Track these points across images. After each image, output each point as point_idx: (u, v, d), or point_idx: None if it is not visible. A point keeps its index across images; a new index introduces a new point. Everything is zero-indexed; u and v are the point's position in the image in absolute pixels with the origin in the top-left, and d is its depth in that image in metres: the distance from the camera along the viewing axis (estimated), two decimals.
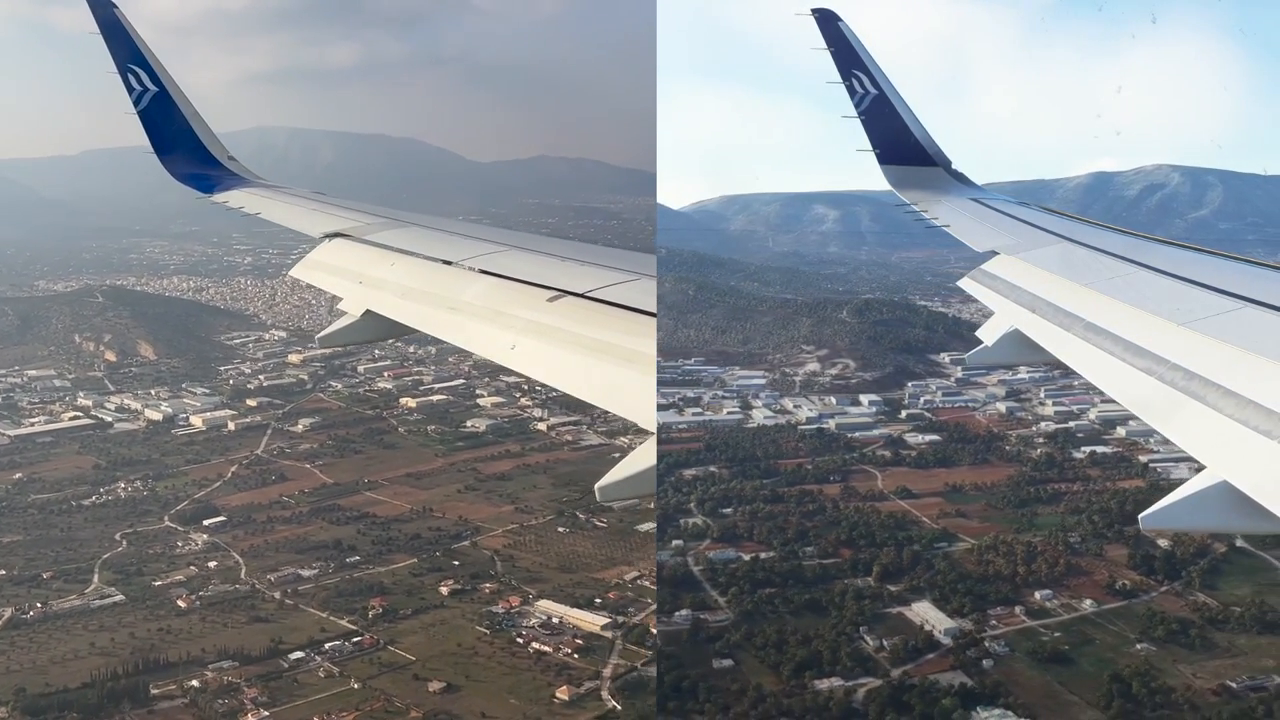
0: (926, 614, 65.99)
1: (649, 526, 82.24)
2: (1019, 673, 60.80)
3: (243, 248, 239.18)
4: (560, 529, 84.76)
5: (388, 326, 13.39)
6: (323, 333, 14.16)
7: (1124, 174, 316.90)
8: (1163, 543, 73.92)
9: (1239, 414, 8.72)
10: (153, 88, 20.90)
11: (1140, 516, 8.46)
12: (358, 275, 14.58)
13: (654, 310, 10.71)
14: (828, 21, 24.40)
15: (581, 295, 11.40)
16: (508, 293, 12.24)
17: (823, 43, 24.60)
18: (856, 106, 25.04)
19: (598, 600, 72.57)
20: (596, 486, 8.81)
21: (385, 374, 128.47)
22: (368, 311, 13.56)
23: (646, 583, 74.07)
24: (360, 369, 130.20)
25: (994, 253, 17.89)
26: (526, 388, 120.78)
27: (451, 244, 14.72)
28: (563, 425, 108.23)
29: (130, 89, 20.79)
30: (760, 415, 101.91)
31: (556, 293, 11.66)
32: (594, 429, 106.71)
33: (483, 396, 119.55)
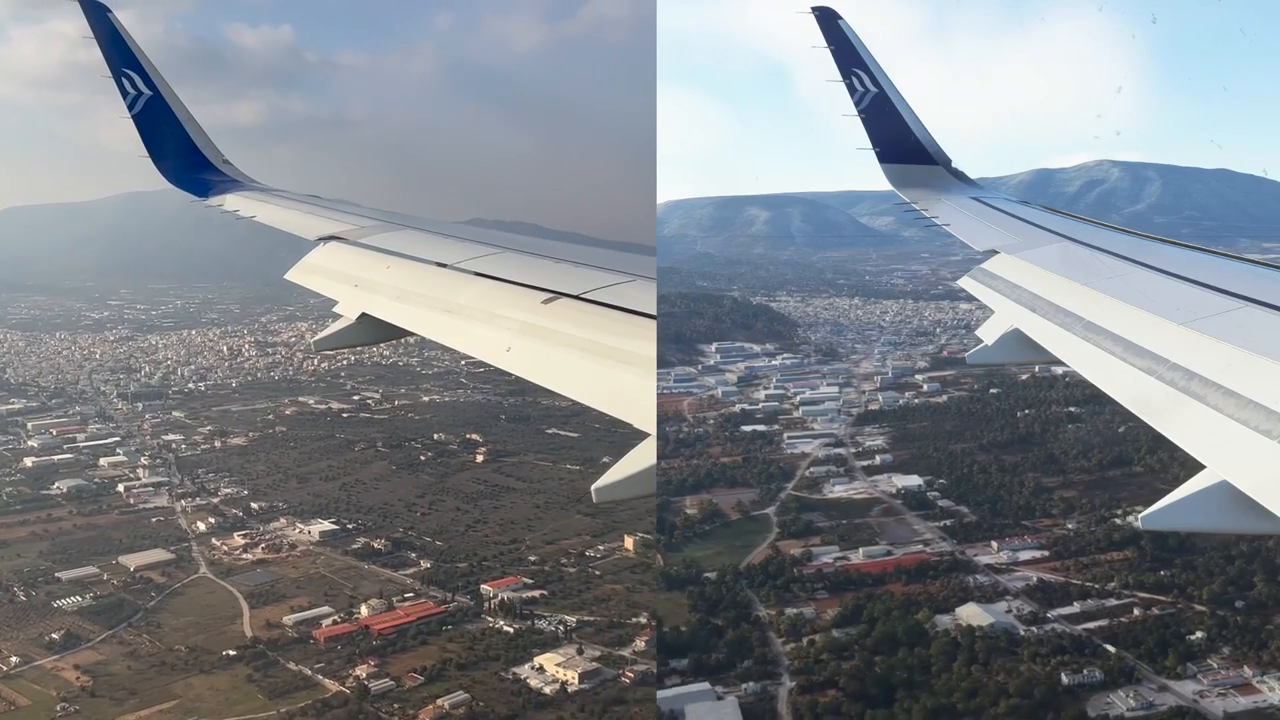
0: None
1: (66, 601, 78.77)
2: None
3: (116, 302, 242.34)
4: None
5: (383, 329, 13.27)
6: (318, 336, 13.98)
7: (1065, 170, 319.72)
8: (691, 511, 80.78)
9: (1239, 414, 8.64)
10: (147, 91, 20.74)
11: (1140, 516, 8.37)
12: (353, 278, 14.42)
13: (652, 312, 10.59)
14: (828, 20, 24.32)
15: (577, 297, 11.28)
16: (503, 295, 12.12)
17: (823, 41, 24.53)
18: (856, 105, 24.98)
19: None
20: (593, 487, 8.64)
21: (52, 430, 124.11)
22: (363, 315, 13.43)
23: None
24: (29, 425, 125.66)
25: (994, 251, 17.81)
26: (175, 448, 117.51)
27: (447, 246, 14.61)
28: (146, 488, 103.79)
29: (124, 93, 20.62)
30: None
31: (552, 294, 11.53)
32: (172, 493, 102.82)
33: (115, 456, 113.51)
